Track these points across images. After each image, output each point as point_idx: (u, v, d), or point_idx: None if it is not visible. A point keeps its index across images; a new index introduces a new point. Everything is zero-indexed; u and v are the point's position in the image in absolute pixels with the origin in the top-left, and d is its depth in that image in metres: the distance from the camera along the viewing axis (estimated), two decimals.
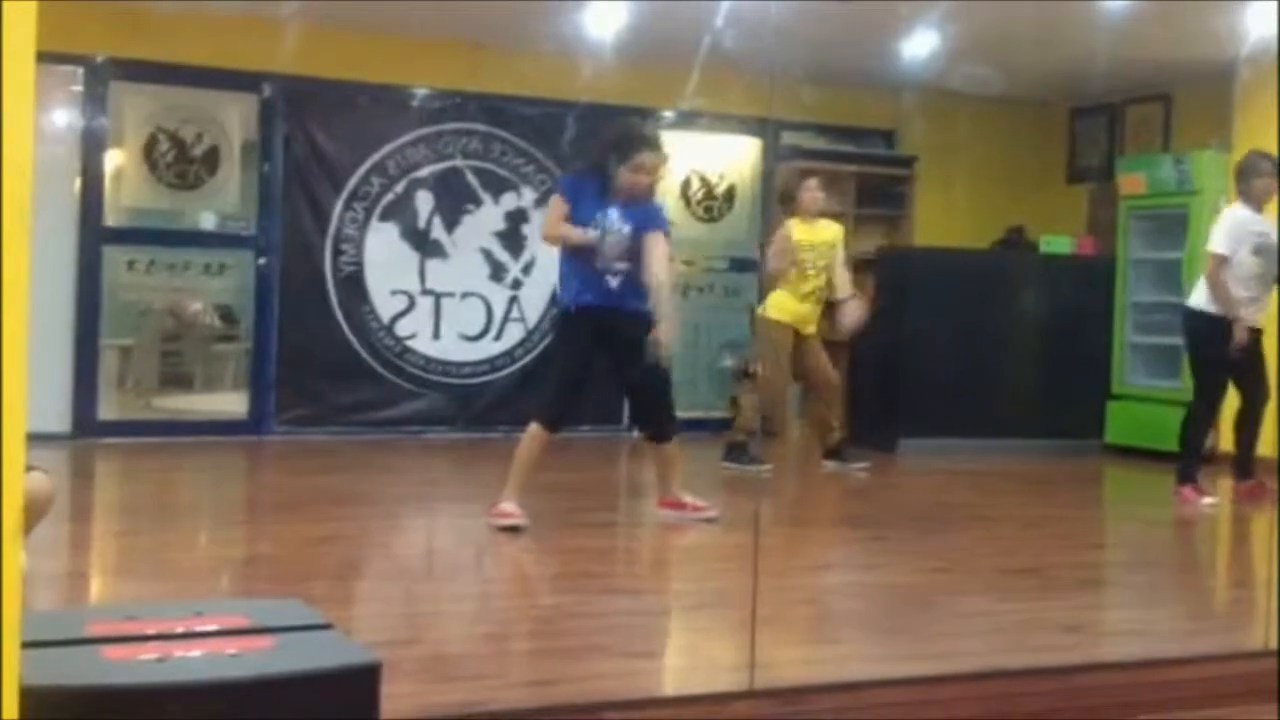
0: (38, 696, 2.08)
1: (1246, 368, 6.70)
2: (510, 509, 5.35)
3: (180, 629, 2.59)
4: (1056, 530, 6.23)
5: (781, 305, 7.39)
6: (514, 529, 5.27)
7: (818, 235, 7.42)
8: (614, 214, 5.44)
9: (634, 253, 5.44)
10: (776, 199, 8.21)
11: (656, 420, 5.68)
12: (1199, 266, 8.46)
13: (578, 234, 5.45)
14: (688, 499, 5.68)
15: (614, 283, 5.45)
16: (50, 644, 2.39)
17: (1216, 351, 6.63)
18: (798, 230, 7.42)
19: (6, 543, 1.94)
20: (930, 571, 4.99)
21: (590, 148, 6.25)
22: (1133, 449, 8.68)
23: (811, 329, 7.50)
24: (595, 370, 5.58)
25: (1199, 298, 6.75)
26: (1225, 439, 8.37)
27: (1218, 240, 6.69)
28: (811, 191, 7.44)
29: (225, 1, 7.45)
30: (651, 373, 5.51)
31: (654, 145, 5.62)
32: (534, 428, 5.45)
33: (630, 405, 5.79)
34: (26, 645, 2.00)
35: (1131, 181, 8.98)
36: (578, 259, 5.50)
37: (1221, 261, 6.61)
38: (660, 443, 5.68)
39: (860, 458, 7.64)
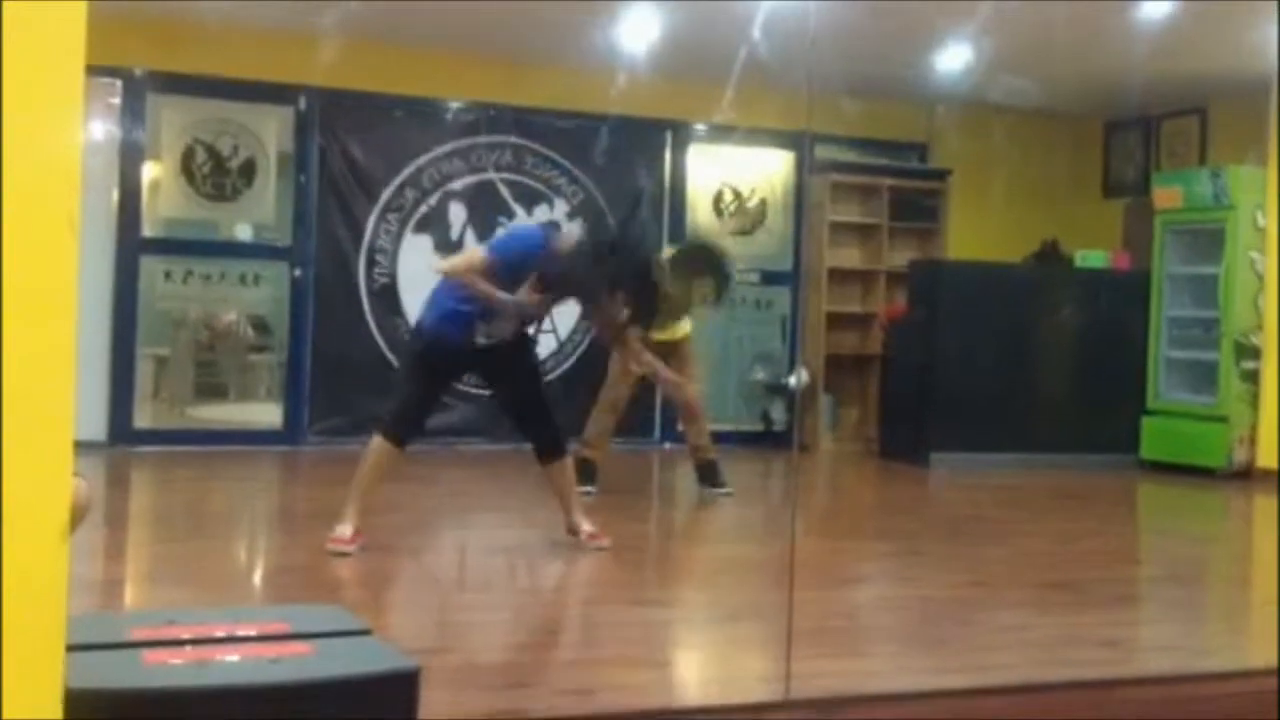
0: (81, 699, 2.09)
1: None
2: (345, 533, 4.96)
3: (220, 634, 2.61)
4: (1092, 545, 6.19)
5: None
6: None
7: None
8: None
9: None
10: None
11: (548, 434, 5.17)
12: (1235, 281, 8.47)
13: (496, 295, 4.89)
14: (585, 527, 5.21)
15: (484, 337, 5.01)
16: (93, 647, 2.42)
17: None
18: None
19: (53, 547, 1.95)
20: (966, 585, 4.97)
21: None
22: (1167, 464, 8.63)
23: (665, 333, 6.44)
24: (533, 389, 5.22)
25: None
26: (1265, 454, 8.33)
27: None
28: None
29: (262, 15, 7.51)
30: (527, 382, 5.18)
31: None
32: (378, 440, 5.05)
33: (514, 422, 5.32)
34: (70, 648, 2.02)
35: (1167, 195, 8.93)
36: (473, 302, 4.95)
37: None
38: (555, 459, 5.18)
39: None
